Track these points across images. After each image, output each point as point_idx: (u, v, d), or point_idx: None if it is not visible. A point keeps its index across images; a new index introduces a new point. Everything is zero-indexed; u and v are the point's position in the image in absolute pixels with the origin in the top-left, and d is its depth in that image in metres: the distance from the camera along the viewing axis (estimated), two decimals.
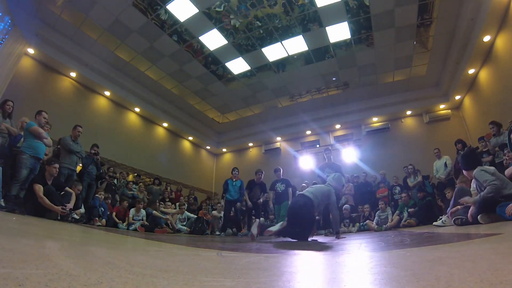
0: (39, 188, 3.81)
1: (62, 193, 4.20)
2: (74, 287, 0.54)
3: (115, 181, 6.74)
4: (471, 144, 6.62)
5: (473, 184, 3.58)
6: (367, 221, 6.19)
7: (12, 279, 0.54)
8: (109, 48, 6.84)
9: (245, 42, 6.62)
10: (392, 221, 5.80)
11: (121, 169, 7.63)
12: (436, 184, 6.65)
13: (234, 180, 6.44)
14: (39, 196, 3.76)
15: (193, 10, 5.68)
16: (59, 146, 5.07)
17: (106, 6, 5.59)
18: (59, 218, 3.90)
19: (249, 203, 6.16)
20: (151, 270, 0.88)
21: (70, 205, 4.05)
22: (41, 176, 4.03)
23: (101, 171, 5.70)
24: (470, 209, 2.92)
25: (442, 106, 8.57)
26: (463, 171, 3.40)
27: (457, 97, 8.03)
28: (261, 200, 6.22)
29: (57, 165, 4.22)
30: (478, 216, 2.63)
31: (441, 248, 1.40)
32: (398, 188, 6.97)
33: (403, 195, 6.09)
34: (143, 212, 5.96)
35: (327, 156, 5.60)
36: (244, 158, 11.64)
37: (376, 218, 6.08)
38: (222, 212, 6.78)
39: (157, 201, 6.88)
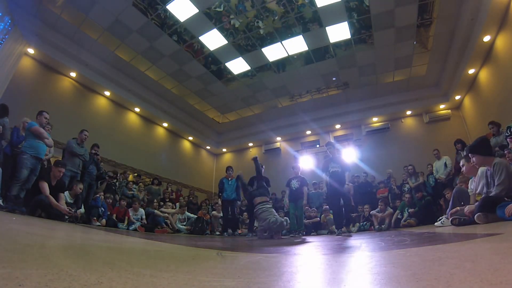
0: (46, 187, 3.84)
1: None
2: (74, 287, 0.54)
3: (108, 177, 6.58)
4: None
5: (471, 185, 3.57)
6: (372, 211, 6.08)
7: (12, 279, 0.54)
8: (109, 48, 6.83)
9: (245, 42, 6.62)
10: (389, 220, 5.78)
11: (121, 169, 7.63)
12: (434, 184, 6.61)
13: (229, 179, 6.34)
14: (46, 196, 3.81)
15: (193, 10, 5.68)
16: None
17: (106, 6, 5.59)
18: (66, 217, 3.94)
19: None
20: (151, 270, 0.87)
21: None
22: (46, 175, 4.05)
23: (101, 171, 5.70)
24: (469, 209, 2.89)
25: (442, 106, 8.57)
26: (477, 156, 2.90)
27: (457, 97, 8.04)
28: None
29: (62, 169, 4.23)
30: (475, 216, 2.60)
31: (441, 248, 1.40)
32: (396, 188, 6.97)
33: (406, 195, 6.09)
34: (141, 211, 5.95)
35: (331, 151, 4.93)
36: (244, 158, 11.63)
37: None
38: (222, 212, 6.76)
39: (155, 200, 6.85)
